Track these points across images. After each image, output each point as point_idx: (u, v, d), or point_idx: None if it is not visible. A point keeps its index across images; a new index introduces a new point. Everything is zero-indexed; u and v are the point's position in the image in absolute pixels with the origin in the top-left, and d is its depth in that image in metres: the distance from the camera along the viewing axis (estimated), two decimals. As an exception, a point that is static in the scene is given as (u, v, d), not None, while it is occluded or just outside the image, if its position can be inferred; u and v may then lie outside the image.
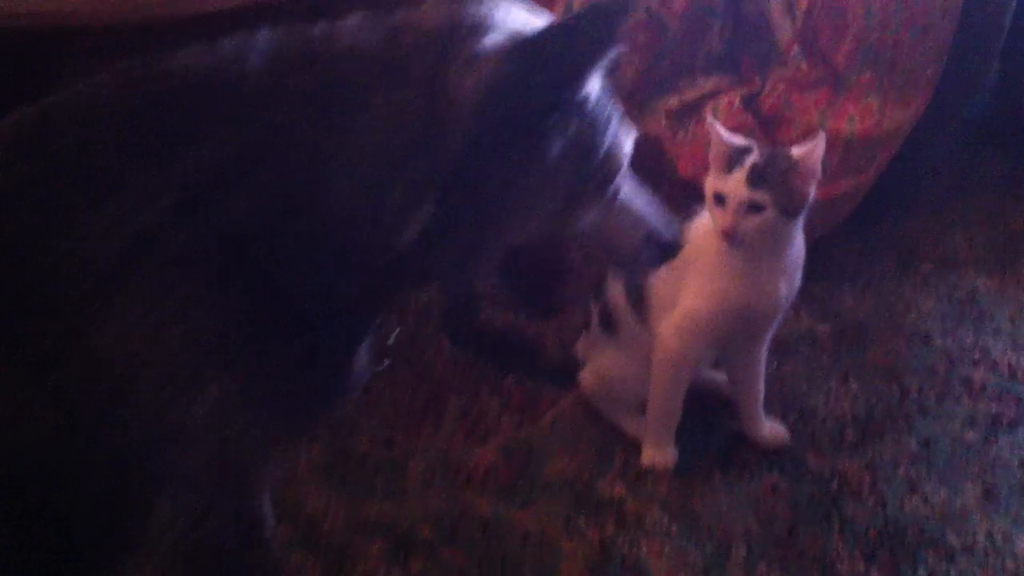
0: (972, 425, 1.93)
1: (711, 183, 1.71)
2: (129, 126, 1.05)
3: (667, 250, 1.33)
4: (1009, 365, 2.10)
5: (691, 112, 2.40)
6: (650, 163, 2.36)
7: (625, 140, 1.23)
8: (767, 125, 2.36)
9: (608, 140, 1.17)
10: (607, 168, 1.19)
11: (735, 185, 1.65)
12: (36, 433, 1.04)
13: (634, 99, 2.47)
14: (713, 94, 2.40)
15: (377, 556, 1.70)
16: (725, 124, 2.29)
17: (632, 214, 1.28)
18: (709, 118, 1.78)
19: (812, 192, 1.67)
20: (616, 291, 1.89)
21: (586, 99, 1.12)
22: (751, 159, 1.65)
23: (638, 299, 1.85)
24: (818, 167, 1.66)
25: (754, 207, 1.64)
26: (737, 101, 2.37)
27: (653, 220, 1.30)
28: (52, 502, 1.08)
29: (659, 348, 1.81)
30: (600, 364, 1.97)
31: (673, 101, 2.41)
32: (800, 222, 1.70)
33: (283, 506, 1.80)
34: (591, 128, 1.14)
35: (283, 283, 1.06)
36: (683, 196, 2.38)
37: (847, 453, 1.88)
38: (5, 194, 1.02)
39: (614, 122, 1.18)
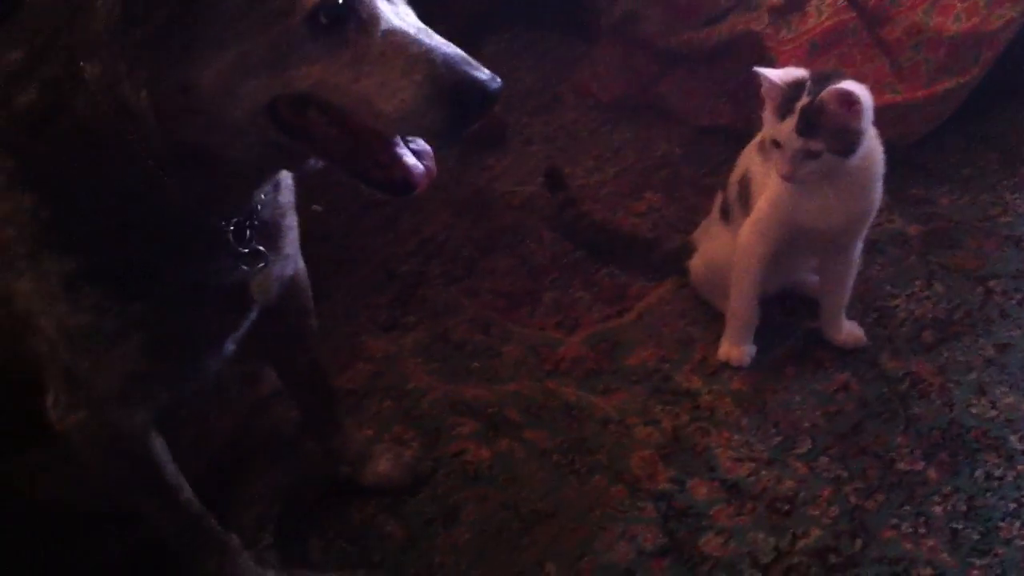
0: (1052, 331, 1.96)
1: (767, 127, 1.76)
2: None
3: (470, 96, 1.08)
4: (1099, 268, 2.10)
5: (794, 8, 2.41)
6: (751, 59, 2.39)
7: None
8: (871, 22, 2.35)
9: None
10: (305, 8, 1.03)
11: (788, 133, 1.69)
12: None
13: (738, -6, 2.49)
14: (818, -10, 2.40)
15: (468, 434, 1.88)
16: (828, 22, 2.32)
17: (401, 51, 1.07)
18: (757, 68, 1.79)
19: (866, 127, 1.70)
20: (733, 181, 1.98)
21: None
22: (801, 103, 1.68)
23: (743, 189, 1.93)
24: (867, 104, 1.69)
25: (809, 154, 1.69)
26: (842, -3, 2.36)
27: (442, 60, 1.07)
28: None
29: (737, 243, 1.90)
30: (709, 249, 2.07)
31: (777, -3, 2.42)
32: (864, 146, 1.74)
33: (388, 382, 2.01)
34: None
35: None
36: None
37: (922, 355, 1.94)
38: None
39: None
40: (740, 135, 2.41)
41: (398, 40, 1.07)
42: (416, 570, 1.66)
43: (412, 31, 1.08)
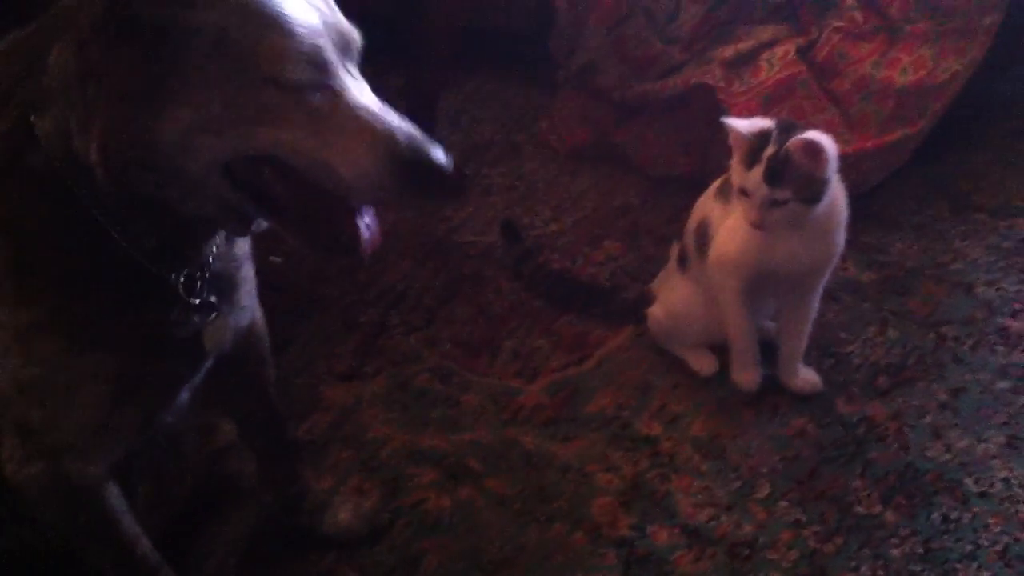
0: (1004, 375, 1.98)
1: (735, 176, 1.79)
2: None
3: (422, 173, 1.11)
4: (1050, 315, 2.14)
5: (747, 61, 2.46)
6: (705, 112, 2.44)
7: (305, 44, 1.08)
8: (821, 75, 2.41)
9: (263, 36, 1.06)
10: (272, 69, 1.06)
11: (756, 182, 1.73)
12: None
13: (692, 48, 2.54)
14: (769, 44, 2.45)
15: (428, 483, 1.87)
16: (780, 75, 2.37)
17: (360, 128, 1.10)
18: (724, 119, 1.81)
19: (831, 176, 1.75)
20: (690, 229, 2.01)
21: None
22: (767, 153, 1.72)
23: (700, 237, 1.96)
24: (832, 153, 1.73)
25: (777, 202, 1.72)
26: (793, 51, 2.42)
27: (400, 138, 1.11)
28: None
29: (712, 282, 1.94)
30: (669, 299, 2.10)
31: (729, 51, 2.47)
32: (829, 194, 1.77)
33: (347, 432, 2.00)
34: (237, 25, 1.05)
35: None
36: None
37: (877, 399, 1.96)
38: None
39: (271, 22, 1.07)
40: (696, 184, 2.45)
41: (362, 114, 1.11)
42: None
43: (376, 108, 1.13)
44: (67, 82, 1.07)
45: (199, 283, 1.26)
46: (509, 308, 2.30)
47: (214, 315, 1.29)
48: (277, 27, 1.06)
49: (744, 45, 2.49)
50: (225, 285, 1.34)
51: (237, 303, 1.40)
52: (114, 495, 1.36)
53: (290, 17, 1.08)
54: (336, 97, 1.10)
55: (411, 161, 1.11)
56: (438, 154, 1.12)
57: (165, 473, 1.64)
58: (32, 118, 1.11)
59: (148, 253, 1.18)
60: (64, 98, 1.08)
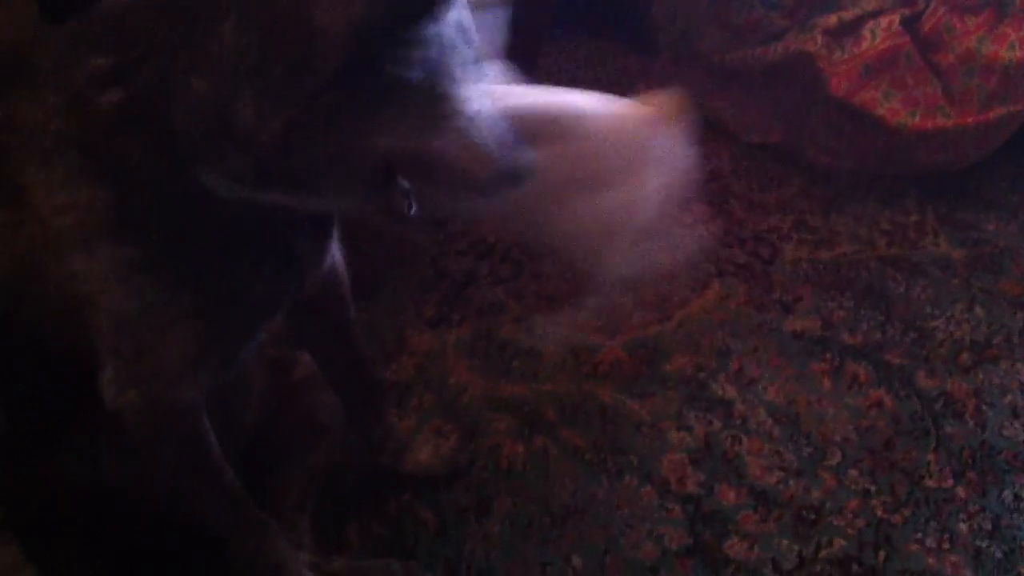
0: (1089, 359, 1.97)
1: None
2: None
3: (511, 178, 1.25)
4: None
5: (850, 30, 2.44)
6: (803, 81, 2.43)
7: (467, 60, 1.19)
8: (925, 47, 2.38)
9: (454, 75, 1.17)
10: (449, 89, 1.17)
11: None
12: None
13: (794, 15, 2.53)
14: (874, 14, 2.42)
15: (505, 430, 1.92)
16: (883, 45, 2.35)
17: (480, 138, 1.22)
18: None
19: None
20: None
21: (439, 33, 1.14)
22: None
23: None
24: None
25: None
26: (897, 21, 2.38)
27: (500, 144, 1.23)
28: None
29: None
30: None
31: (832, 19, 2.45)
32: None
33: (431, 376, 2.07)
34: (443, 60, 1.15)
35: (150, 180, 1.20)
36: (834, 114, 2.46)
37: (958, 376, 1.96)
38: None
39: (459, 41, 1.17)
40: (790, 153, 2.45)
41: (477, 123, 1.20)
42: (448, 558, 1.71)
43: (483, 115, 1.21)
44: (249, 60, 1.11)
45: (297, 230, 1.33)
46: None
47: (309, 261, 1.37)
48: (453, 49, 1.15)
49: (848, 14, 2.46)
50: (319, 232, 1.41)
51: (328, 249, 1.46)
52: (205, 425, 1.42)
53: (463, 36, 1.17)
54: (467, 107, 1.20)
55: (507, 169, 1.22)
56: (522, 159, 1.23)
57: (235, 405, 1.70)
58: (189, 77, 1.14)
59: (265, 214, 1.25)
60: (235, 71, 1.12)
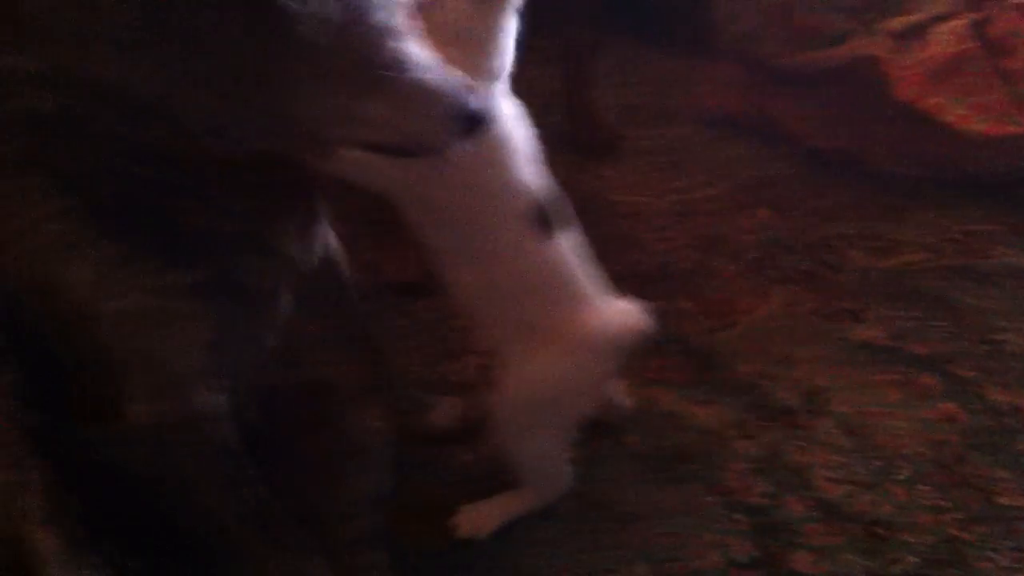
0: None
1: None
2: None
3: (472, 121, 1.20)
4: None
5: (916, 34, 2.40)
6: (867, 85, 2.39)
7: (393, 22, 1.13)
8: (992, 52, 2.33)
9: (368, 20, 1.09)
10: (375, 54, 1.11)
11: None
12: None
13: (859, 17, 2.49)
14: (941, 17, 2.38)
15: (568, 432, 1.90)
16: (951, 50, 2.31)
17: (425, 93, 1.17)
18: None
19: None
20: None
21: None
22: None
23: None
24: None
25: None
26: (965, 25, 2.34)
27: (451, 93, 1.18)
28: None
29: None
30: None
31: (898, 22, 2.41)
32: None
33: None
34: (344, 8, 1.07)
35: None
36: (899, 120, 2.42)
37: (1032, 392, 1.92)
38: None
39: (373, 3, 1.10)
40: (853, 158, 2.42)
41: (421, 80, 1.15)
42: (509, 563, 1.69)
43: (424, 69, 1.16)
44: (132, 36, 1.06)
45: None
46: (657, 268, 2.31)
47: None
48: (374, 9, 1.09)
49: (915, 17, 2.42)
50: (305, 217, 1.38)
51: (315, 233, 1.43)
52: (226, 435, 1.38)
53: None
54: (406, 67, 1.14)
55: (458, 114, 1.17)
56: (475, 101, 1.18)
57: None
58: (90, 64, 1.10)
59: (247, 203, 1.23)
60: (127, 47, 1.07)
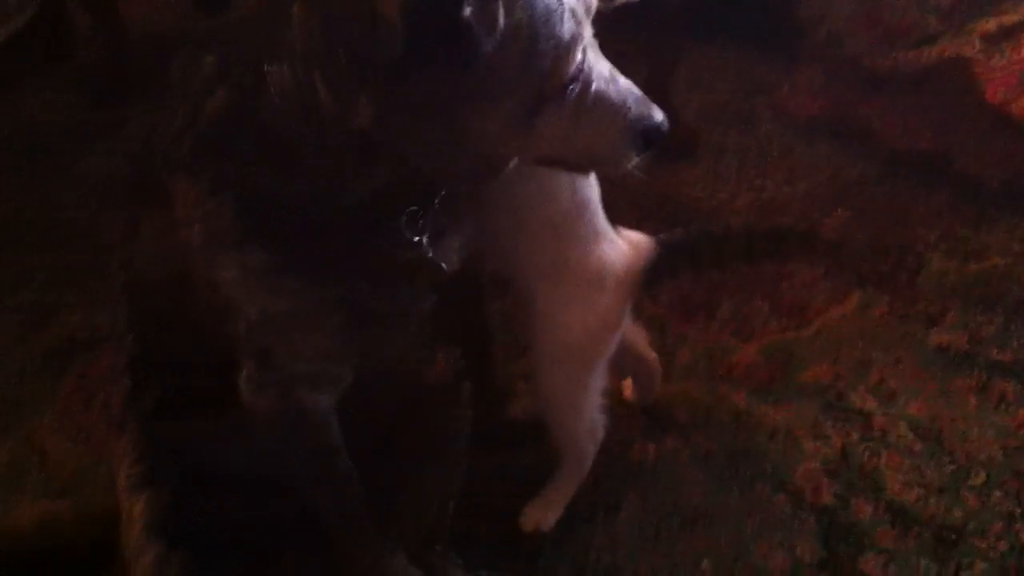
0: None
1: None
2: None
3: (652, 136, 1.19)
4: None
5: (1009, 36, 2.35)
6: (956, 87, 2.35)
7: (576, 33, 1.11)
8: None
9: (553, 35, 1.08)
10: (557, 65, 1.10)
11: None
12: None
13: (951, 18, 2.45)
14: (1035, 20, 2.33)
15: (637, 428, 1.91)
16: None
17: (606, 106, 1.17)
18: None
19: None
20: None
21: None
22: None
23: None
24: None
25: None
26: (1059, 28, 2.29)
27: (631, 106, 1.18)
28: None
29: None
30: None
31: (991, 24, 2.37)
32: None
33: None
34: (528, 23, 1.07)
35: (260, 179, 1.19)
36: (988, 123, 2.37)
37: (1116, 400, 1.87)
38: None
39: (560, 15, 1.08)
40: (939, 161, 2.38)
41: (606, 92, 1.16)
42: (573, 558, 1.71)
43: (608, 75, 1.17)
44: (315, 45, 1.10)
45: (422, 222, 1.29)
46: (731, 268, 2.30)
47: (433, 252, 1.33)
48: (559, 23, 1.08)
49: (1008, 18, 2.38)
50: (446, 224, 1.37)
51: (463, 224, 1.42)
52: (336, 429, 1.42)
53: (565, 9, 1.09)
54: (587, 79, 1.15)
55: (642, 127, 1.17)
56: (657, 113, 1.18)
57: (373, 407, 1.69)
58: (267, 67, 1.14)
59: (375, 198, 1.23)
60: (310, 57, 1.11)
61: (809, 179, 2.58)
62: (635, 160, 1.20)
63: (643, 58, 2.62)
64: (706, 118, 2.87)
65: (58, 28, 2.97)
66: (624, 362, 1.80)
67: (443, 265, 1.36)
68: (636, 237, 1.61)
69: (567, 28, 1.09)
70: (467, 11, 1.00)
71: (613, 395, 1.78)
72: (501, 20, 1.03)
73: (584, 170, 1.30)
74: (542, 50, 1.08)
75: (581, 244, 1.54)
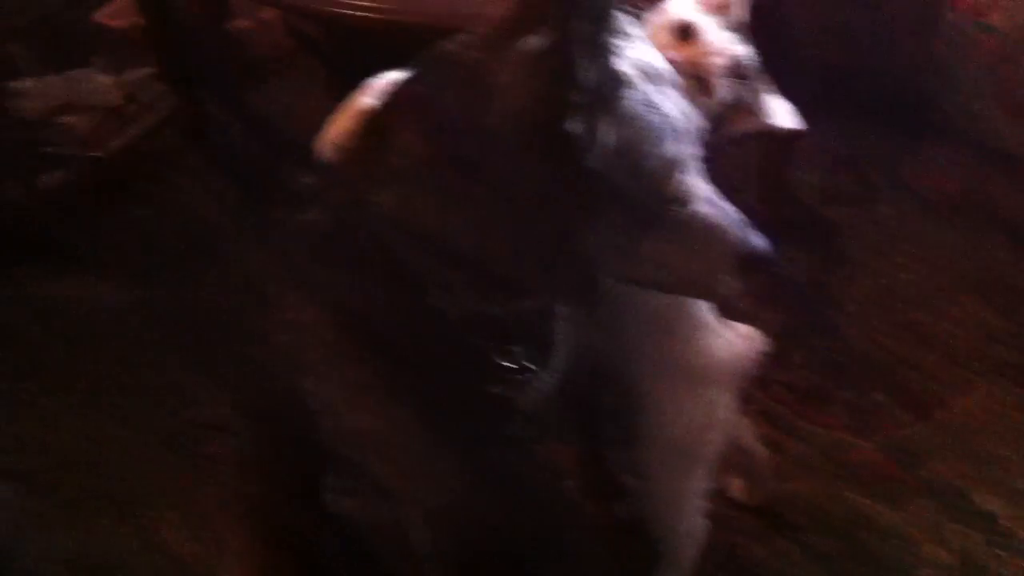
0: None
1: None
2: None
3: (753, 261, 1.16)
4: None
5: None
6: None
7: (682, 154, 1.10)
8: None
9: (658, 152, 1.07)
10: (662, 187, 1.09)
11: None
12: None
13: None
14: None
15: (744, 528, 1.84)
16: None
17: (705, 230, 1.14)
18: None
19: None
20: None
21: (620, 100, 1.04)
22: None
23: None
24: None
25: None
26: None
27: (732, 231, 1.15)
28: None
29: None
30: None
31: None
32: None
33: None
34: (634, 139, 1.06)
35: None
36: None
37: None
38: None
39: (665, 132, 1.08)
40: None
41: (702, 215, 1.13)
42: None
43: (705, 204, 1.14)
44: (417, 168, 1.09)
45: (515, 347, 1.26)
46: (848, 356, 2.22)
47: (528, 376, 1.28)
48: (662, 140, 1.07)
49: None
50: (542, 347, 1.32)
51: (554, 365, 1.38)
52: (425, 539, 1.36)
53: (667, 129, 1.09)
54: (686, 199, 1.12)
55: (743, 253, 1.14)
56: (757, 240, 1.15)
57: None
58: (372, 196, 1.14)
59: (466, 320, 1.20)
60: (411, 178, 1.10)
61: (936, 263, 2.49)
62: (735, 288, 1.17)
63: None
64: (827, 197, 2.81)
65: (195, 116, 3.07)
66: (732, 458, 1.75)
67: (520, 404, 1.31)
68: (746, 330, 1.57)
69: (670, 147, 1.08)
70: (571, 125, 0.99)
71: (720, 494, 1.74)
72: (605, 135, 1.02)
73: (679, 294, 1.27)
74: (647, 167, 1.07)
75: (683, 337, 1.51)
